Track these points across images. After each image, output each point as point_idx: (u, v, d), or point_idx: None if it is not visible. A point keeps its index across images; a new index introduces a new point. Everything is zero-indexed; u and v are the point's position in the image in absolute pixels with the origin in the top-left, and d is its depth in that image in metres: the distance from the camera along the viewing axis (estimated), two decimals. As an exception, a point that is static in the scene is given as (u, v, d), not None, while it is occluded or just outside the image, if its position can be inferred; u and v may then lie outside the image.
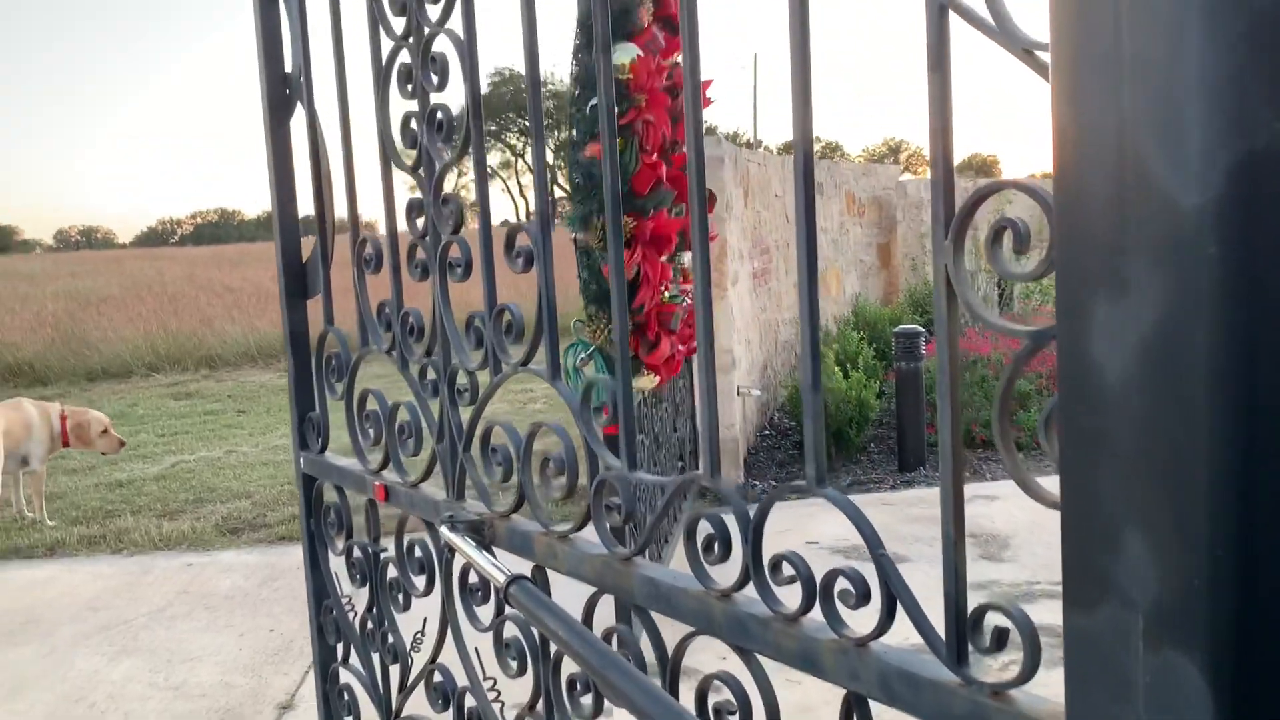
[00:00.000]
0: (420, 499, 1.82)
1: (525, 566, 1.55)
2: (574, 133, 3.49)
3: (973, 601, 0.94)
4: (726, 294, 6.16)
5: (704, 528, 1.21)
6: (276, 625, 4.66)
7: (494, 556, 1.58)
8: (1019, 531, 4.78)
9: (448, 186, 1.71)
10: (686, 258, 3.74)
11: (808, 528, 4.86)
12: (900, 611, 0.99)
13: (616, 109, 3.20)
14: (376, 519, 2.04)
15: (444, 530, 1.62)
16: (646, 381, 3.93)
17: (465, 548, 1.58)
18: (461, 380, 1.71)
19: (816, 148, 1.03)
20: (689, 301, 3.77)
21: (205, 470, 7.95)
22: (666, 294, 3.87)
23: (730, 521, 1.20)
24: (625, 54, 3.45)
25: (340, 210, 2.05)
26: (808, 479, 1.07)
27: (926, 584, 1.02)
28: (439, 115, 1.65)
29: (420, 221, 1.75)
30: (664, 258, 3.79)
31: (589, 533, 1.47)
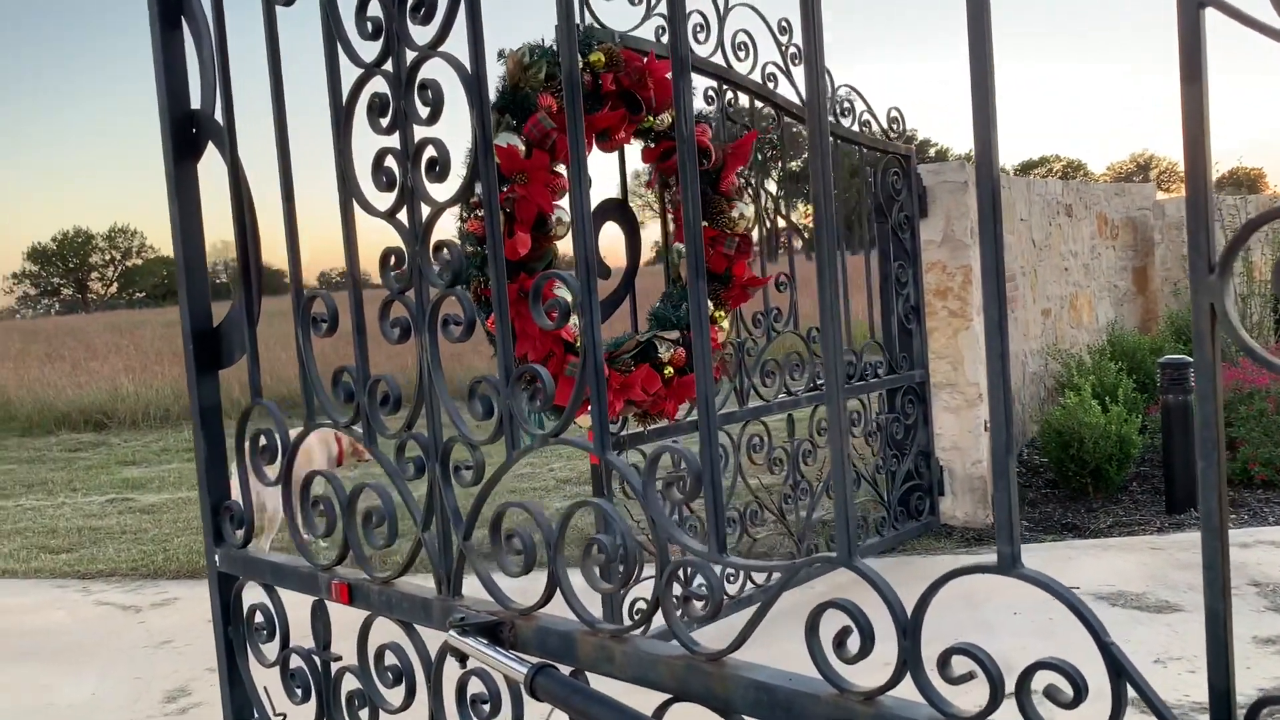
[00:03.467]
0: (400, 598, 1.56)
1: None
2: (462, 209, 3.58)
3: (1259, 658, 0.80)
4: (972, 323, 5.73)
5: (834, 618, 1.04)
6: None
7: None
8: (1312, 581, 4.38)
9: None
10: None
11: (1064, 572, 4.38)
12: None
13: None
14: (327, 623, 1.75)
15: (452, 635, 1.37)
16: (584, 421, 3.80)
17: (479, 648, 1.34)
18: (459, 455, 1.48)
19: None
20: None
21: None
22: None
23: (864, 605, 1.04)
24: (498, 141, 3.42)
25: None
26: (1000, 557, 0.92)
27: (1201, 638, 0.87)
28: (429, 151, 1.43)
29: (396, 274, 1.52)
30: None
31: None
